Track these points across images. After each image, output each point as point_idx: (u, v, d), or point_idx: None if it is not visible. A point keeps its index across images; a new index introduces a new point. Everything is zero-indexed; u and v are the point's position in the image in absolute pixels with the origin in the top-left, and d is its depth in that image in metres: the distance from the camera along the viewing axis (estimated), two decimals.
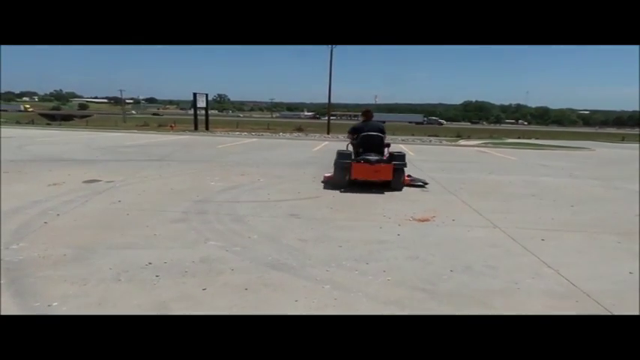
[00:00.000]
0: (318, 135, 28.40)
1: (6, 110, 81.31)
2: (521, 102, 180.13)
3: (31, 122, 40.91)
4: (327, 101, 37.64)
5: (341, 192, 7.02)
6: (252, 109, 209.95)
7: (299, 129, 40.94)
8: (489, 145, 22.69)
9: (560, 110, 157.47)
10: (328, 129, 34.14)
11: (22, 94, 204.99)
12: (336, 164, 7.50)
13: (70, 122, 58.20)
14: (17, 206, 5.20)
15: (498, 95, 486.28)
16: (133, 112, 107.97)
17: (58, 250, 3.72)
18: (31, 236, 4.11)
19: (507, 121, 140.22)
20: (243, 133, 27.36)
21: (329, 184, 7.69)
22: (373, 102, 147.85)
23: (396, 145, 20.27)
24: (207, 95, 31.80)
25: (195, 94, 30.31)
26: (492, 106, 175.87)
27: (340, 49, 31.30)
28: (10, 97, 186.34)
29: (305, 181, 7.98)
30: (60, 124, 42.08)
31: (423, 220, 5.32)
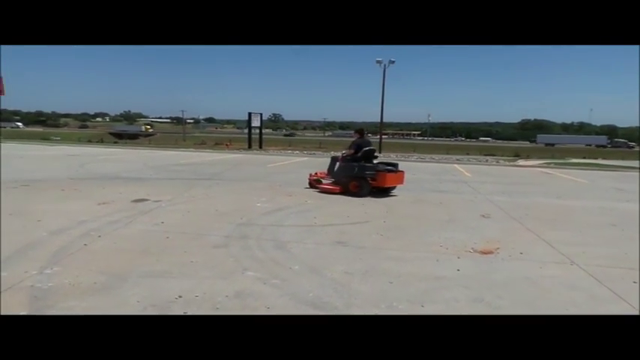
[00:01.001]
0: None
1: (124, 131, 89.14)
2: (585, 120, 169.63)
3: (101, 141, 43.58)
4: (379, 120, 37.15)
5: (392, 217, 6.52)
6: (304, 128, 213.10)
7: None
8: (552, 165, 21.10)
9: (630, 129, 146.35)
10: (380, 148, 33.53)
11: (95, 115, 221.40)
12: (360, 176, 8.43)
13: (136, 140, 61.50)
14: (63, 226, 5.17)
15: (558, 113, 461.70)
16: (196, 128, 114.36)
17: (90, 278, 3.53)
18: (67, 260, 3.98)
19: None
20: (295, 152, 27.44)
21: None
22: (426, 120, 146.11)
23: (451, 165, 19.39)
24: (261, 115, 32.42)
25: (250, 114, 31.01)
26: (553, 124, 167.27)
27: (393, 69, 30.84)
28: (85, 117, 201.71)
29: (355, 204, 7.55)
30: (126, 143, 44.54)
31: (485, 253, 4.72)
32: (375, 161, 9.01)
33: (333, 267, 4.05)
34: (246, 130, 32.74)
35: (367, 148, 8.95)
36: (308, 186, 9.39)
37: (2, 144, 25.29)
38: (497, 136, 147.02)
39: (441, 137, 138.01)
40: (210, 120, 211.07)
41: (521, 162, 23.75)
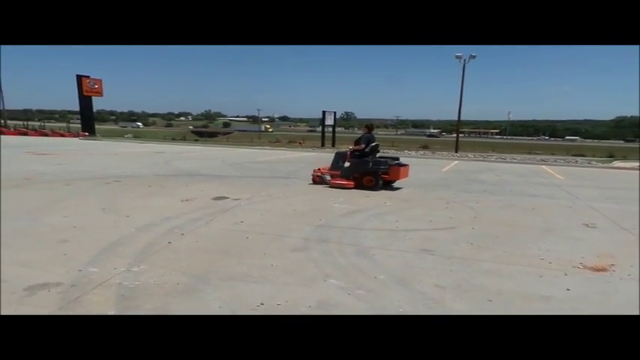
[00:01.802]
0: (445, 153, 26.75)
1: (245, 130, 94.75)
2: None
3: (183, 139, 46.20)
4: (453, 118, 35.55)
5: (481, 223, 5.99)
6: (377, 127, 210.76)
7: (424, 146, 39.49)
8: None
9: None
10: (457, 147, 32.04)
11: (179, 114, 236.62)
12: (374, 170, 8.81)
13: (215, 139, 64.56)
14: (149, 223, 5.32)
15: None
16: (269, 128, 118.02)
17: (173, 278, 3.51)
18: (153, 257, 4.02)
19: None
20: None
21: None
22: (506, 118, 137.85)
23: (537, 166, 17.90)
24: (335, 113, 32.48)
25: (324, 112, 31.22)
26: None
27: (472, 66, 29.15)
28: (170, 117, 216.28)
29: (437, 207, 7.09)
30: (205, 141, 46.92)
31: (598, 270, 4.10)
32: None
33: (421, 278, 3.71)
34: (318, 129, 32.97)
35: (374, 144, 9.32)
36: (312, 182, 9.48)
37: (100, 142, 27.61)
38: (586, 135, 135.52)
39: (522, 136, 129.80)
40: (284, 118, 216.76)
41: (618, 164, 21.36)
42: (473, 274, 3.87)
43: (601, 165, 19.84)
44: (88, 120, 40.45)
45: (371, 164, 8.86)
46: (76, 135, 35.53)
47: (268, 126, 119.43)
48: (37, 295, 3.09)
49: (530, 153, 33.54)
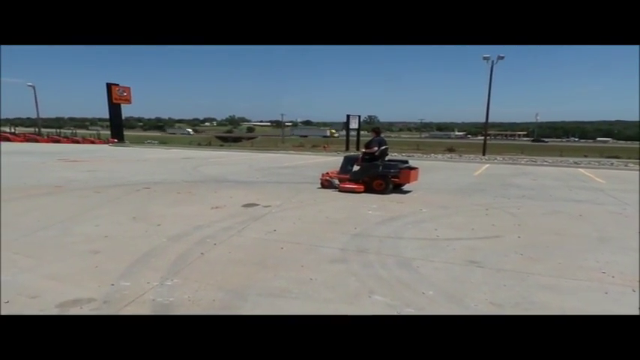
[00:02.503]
0: (472, 156, 25.99)
1: (279, 135, 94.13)
2: None
3: (209, 144, 46.69)
4: (478, 120, 34.70)
5: (526, 232, 5.62)
6: (400, 130, 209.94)
7: (450, 149, 38.68)
8: None
9: None
10: (484, 149, 31.17)
11: (204, 120, 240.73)
12: (384, 173, 8.68)
13: (239, 143, 65.08)
14: (181, 232, 5.18)
15: None
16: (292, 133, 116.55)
17: (209, 293, 3.32)
18: (186, 271, 3.85)
19: None
20: (392, 154, 26.59)
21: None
22: (534, 120, 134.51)
23: (573, 169, 17.15)
24: (359, 117, 32.25)
25: (348, 116, 31.04)
26: None
27: (499, 67, 28.24)
28: (195, 122, 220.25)
29: (477, 214, 6.73)
30: (230, 146, 47.34)
31: None
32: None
33: (473, 294, 3.42)
34: (342, 133, 32.76)
35: (384, 147, 9.20)
36: (320, 186, 9.34)
37: (128, 148, 28.09)
38: (618, 136, 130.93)
39: (550, 137, 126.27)
40: (307, 123, 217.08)
41: None
42: (530, 290, 3.54)
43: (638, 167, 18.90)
44: (117, 127, 41.42)
45: (381, 167, 8.77)
46: (106, 142, 36.39)
47: (333, 130, 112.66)
48: (69, 313, 2.94)
49: (561, 155, 32.40)
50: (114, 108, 40.57)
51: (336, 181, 9.26)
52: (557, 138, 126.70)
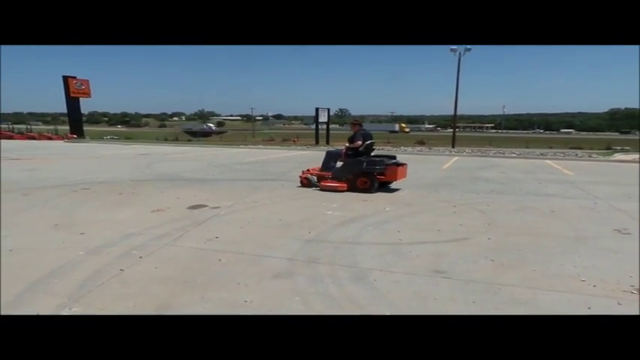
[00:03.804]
0: (442, 149, 25.81)
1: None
2: None
3: (176, 139, 45.14)
4: (447, 113, 34.76)
5: (497, 232, 5.16)
6: (371, 122, 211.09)
7: (421, 142, 38.72)
8: None
9: None
10: (453, 142, 31.16)
11: (173, 115, 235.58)
12: (369, 170, 7.94)
13: (208, 138, 63.44)
14: (106, 242, 4.45)
15: None
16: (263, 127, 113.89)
17: None
18: (92, 295, 3.14)
19: None
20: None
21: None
22: (501, 112, 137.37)
23: (540, 160, 17.08)
24: (328, 110, 31.70)
25: (317, 109, 30.41)
26: None
27: (466, 59, 28.10)
28: (164, 117, 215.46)
29: (444, 212, 6.24)
30: (199, 140, 45.93)
31: None
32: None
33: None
34: (313, 126, 32.13)
35: (370, 141, 8.48)
36: (300, 184, 8.64)
37: (85, 144, 26.64)
38: (580, 127, 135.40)
39: (517, 130, 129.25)
40: (278, 117, 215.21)
41: (620, 156, 20.59)
42: (504, 307, 3.02)
43: (603, 158, 19.04)
44: (77, 122, 39.43)
45: (365, 164, 8.00)
46: (64, 138, 34.53)
47: (404, 125, 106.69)
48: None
49: (527, 146, 32.72)
50: (72, 102, 38.53)
51: (315, 179, 8.55)
52: (524, 130, 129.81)
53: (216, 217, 5.75)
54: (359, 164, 8.03)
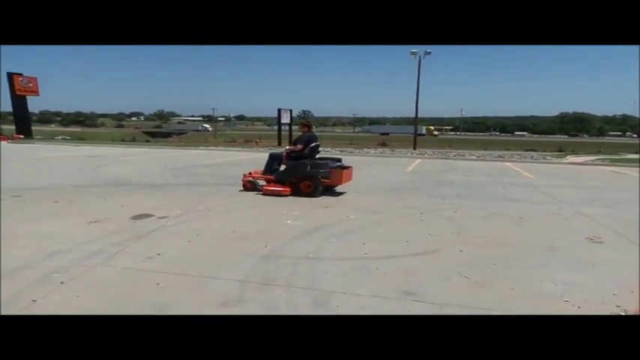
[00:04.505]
0: (404, 151, 25.88)
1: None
2: (628, 112, 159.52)
3: (133, 140, 43.30)
4: (408, 115, 35.03)
5: (467, 242, 4.84)
6: (334, 124, 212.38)
7: (383, 144, 38.93)
8: (607, 161, 18.54)
9: None
10: (415, 144, 31.38)
11: (131, 115, 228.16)
12: (313, 174, 7.59)
13: (168, 139, 61.36)
14: (23, 263, 3.77)
15: (599, 106, 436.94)
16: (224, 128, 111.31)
17: None
18: None
19: (612, 133, 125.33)
20: (325, 149, 25.69)
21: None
22: (459, 115, 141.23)
23: (501, 163, 17.25)
24: (291, 111, 31.25)
25: (279, 110, 29.89)
26: (593, 117, 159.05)
27: (426, 61, 28.43)
28: (121, 117, 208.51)
29: (411, 220, 5.89)
30: (157, 142, 44.25)
31: None
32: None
33: None
34: (276, 127, 31.51)
35: (314, 144, 8.18)
36: (242, 188, 8.18)
37: (30, 145, 24.90)
38: (532, 130, 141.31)
39: (474, 132, 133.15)
40: (240, 118, 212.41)
41: (571, 158, 21.28)
42: None
43: (557, 160, 19.55)
44: (23, 121, 37.10)
45: (309, 167, 7.64)
46: (9, 138, 32.27)
47: (432, 127, 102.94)
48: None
49: (485, 149, 33.46)
50: (18, 100, 36.21)
51: (261, 183, 8.09)
52: (481, 132, 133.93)
53: (162, 228, 5.14)
54: (303, 167, 7.70)
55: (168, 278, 3.51)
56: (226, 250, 4.34)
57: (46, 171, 11.16)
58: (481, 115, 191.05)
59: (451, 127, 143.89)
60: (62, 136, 42.59)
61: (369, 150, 25.84)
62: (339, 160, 8.45)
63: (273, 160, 8.26)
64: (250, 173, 8.34)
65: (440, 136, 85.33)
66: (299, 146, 7.99)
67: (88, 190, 8.00)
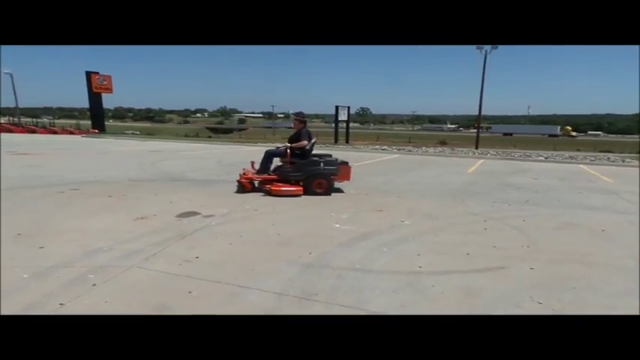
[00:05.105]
0: (465, 150, 24.58)
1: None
2: None
3: (196, 135, 44.86)
4: (470, 113, 33.31)
5: (539, 257, 4.21)
6: (393, 122, 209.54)
7: (442, 142, 37.44)
8: None
9: None
10: (477, 143, 29.70)
11: (196, 111, 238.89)
12: (325, 171, 7.37)
13: (229, 135, 63.21)
14: (62, 261, 3.70)
15: None
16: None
17: None
18: None
19: None
20: (383, 147, 25.01)
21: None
22: (526, 113, 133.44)
23: (574, 165, 15.75)
24: (349, 108, 30.81)
25: (337, 107, 29.58)
26: None
27: (490, 58, 27.17)
28: (187, 113, 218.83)
29: (472, 228, 5.31)
30: (219, 137, 45.60)
31: None
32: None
33: None
34: (333, 124, 31.20)
35: (314, 140, 7.83)
36: (240, 190, 7.40)
37: (103, 139, 26.43)
38: (609, 130, 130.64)
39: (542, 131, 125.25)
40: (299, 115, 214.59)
41: None
42: None
43: (638, 163, 17.60)
44: (98, 117, 39.68)
45: (322, 164, 7.36)
46: (86, 132, 34.62)
47: (569, 127, 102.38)
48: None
49: (554, 149, 31.03)
50: (94, 97, 38.76)
51: (254, 180, 7.61)
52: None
53: (206, 228, 4.96)
54: (315, 164, 7.37)
55: (201, 286, 3.26)
56: (267, 255, 4.05)
57: (108, 165, 11.58)
58: (550, 113, 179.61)
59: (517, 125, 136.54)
60: (132, 131, 45.03)
61: (427, 149, 24.82)
62: (330, 155, 7.85)
63: (270, 158, 7.76)
64: (244, 171, 7.77)
65: (492, 134, 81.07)
66: (305, 142, 7.52)
67: (142, 184, 8.10)
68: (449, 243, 4.65)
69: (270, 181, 7.42)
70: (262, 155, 7.82)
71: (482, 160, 17.21)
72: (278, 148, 8.00)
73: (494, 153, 22.16)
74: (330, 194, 7.31)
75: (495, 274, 3.74)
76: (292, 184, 7.31)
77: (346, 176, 7.76)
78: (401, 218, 5.74)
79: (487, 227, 5.38)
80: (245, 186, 7.45)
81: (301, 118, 7.85)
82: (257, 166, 7.84)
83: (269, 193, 7.14)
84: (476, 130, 32.47)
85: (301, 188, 7.25)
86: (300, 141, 7.55)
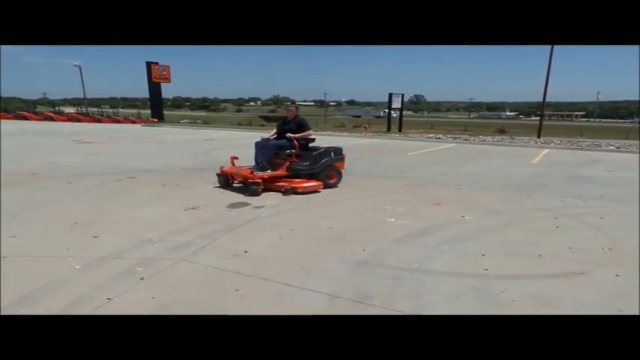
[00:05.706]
0: (526, 139, 23.03)
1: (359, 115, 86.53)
2: None
3: (249, 124, 45.68)
4: (532, 99, 31.13)
5: (626, 262, 3.70)
6: (448, 110, 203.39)
7: (501, 131, 35.51)
8: None
9: None
10: (539, 131, 27.77)
11: (249, 100, 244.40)
12: (334, 162, 7.00)
13: None
14: (113, 251, 3.67)
15: None
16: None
17: None
18: None
19: None
20: (437, 136, 24.10)
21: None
22: (595, 100, 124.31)
23: (609, 154, 14.26)
24: (402, 96, 29.95)
25: (390, 95, 28.89)
26: None
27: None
28: (241, 102, 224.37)
29: (544, 227, 4.81)
30: (272, 125, 46.10)
31: None
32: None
33: None
34: (386, 112, 30.48)
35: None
36: (248, 192, 6.18)
37: (161, 128, 27.42)
38: None
39: (612, 119, 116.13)
40: (351, 102, 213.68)
41: None
42: None
43: None
44: (157, 106, 41.30)
45: (332, 154, 7.01)
46: (146, 121, 36.23)
47: (580, 112, 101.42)
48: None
49: (627, 138, 28.49)
50: (154, 87, 40.37)
51: (260, 175, 6.40)
52: (620, 119, 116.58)
53: (256, 220, 4.83)
54: (327, 155, 6.94)
55: (249, 283, 3.10)
56: (319, 251, 3.83)
57: (164, 153, 11.87)
58: (622, 98, 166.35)
59: (583, 113, 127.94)
60: (187, 120, 46.53)
61: (485, 137, 23.62)
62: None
63: (268, 149, 6.80)
64: (252, 173, 6.44)
65: (568, 123, 75.93)
66: (310, 131, 7.05)
67: (196, 173, 8.18)
68: (517, 242, 4.21)
69: (280, 178, 6.56)
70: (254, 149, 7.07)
71: (546, 150, 16.07)
72: (268, 139, 7.07)
73: (559, 142, 20.63)
74: (338, 186, 6.96)
75: (573, 280, 3.30)
76: (308, 179, 6.62)
77: (342, 166, 7.25)
78: (461, 213, 5.33)
79: (559, 225, 4.86)
80: (256, 183, 6.22)
81: (295, 106, 7.34)
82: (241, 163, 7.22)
83: (294, 192, 6.28)
84: (541, 118, 30.36)
85: (321, 183, 6.65)
86: (303, 129, 6.95)
